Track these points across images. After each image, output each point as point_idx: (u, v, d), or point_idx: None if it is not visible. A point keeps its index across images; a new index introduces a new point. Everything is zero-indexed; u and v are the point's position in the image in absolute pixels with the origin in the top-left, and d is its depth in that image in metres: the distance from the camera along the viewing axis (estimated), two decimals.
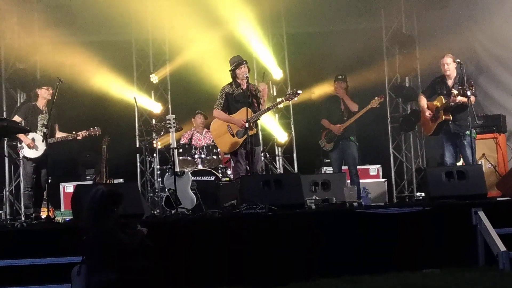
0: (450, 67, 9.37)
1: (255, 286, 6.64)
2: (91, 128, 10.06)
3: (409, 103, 13.22)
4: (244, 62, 9.18)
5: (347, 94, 10.52)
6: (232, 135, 9.06)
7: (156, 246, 5.95)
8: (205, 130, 11.47)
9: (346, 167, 10.51)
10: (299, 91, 9.10)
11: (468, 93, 8.86)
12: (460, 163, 9.56)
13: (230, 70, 9.23)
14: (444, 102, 9.22)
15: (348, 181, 10.01)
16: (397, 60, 13.12)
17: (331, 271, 6.75)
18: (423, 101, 9.64)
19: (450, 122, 9.28)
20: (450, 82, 9.42)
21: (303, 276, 6.72)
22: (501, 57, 11.74)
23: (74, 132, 9.99)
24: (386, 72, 13.18)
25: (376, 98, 10.36)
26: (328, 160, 11.25)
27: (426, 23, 12.77)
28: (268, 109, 9.08)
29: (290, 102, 11.09)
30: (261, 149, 9.63)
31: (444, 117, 9.26)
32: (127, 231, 5.76)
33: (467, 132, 9.11)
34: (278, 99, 9.40)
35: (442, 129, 9.41)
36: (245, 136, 8.80)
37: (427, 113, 9.49)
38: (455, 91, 9.07)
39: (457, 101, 9.08)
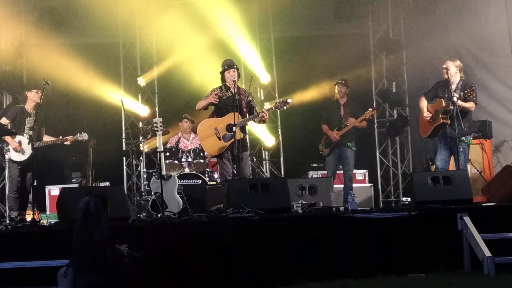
0: (450, 72, 9.18)
1: None
2: (78, 134, 10.03)
3: (396, 108, 13.28)
4: (235, 67, 9.12)
5: (348, 100, 10.64)
6: (219, 138, 8.93)
7: (142, 250, 5.90)
8: (192, 135, 11.41)
9: (340, 172, 10.65)
10: (289, 100, 8.94)
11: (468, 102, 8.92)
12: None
13: (220, 72, 9.18)
14: (444, 105, 9.10)
15: (339, 186, 10.12)
16: (384, 65, 13.20)
17: (318, 275, 6.76)
18: (423, 103, 9.49)
19: (447, 126, 9.12)
20: (453, 87, 9.20)
21: (290, 280, 6.71)
22: (487, 63, 11.75)
23: (61, 137, 9.95)
24: (373, 77, 13.24)
25: (369, 109, 10.57)
26: (315, 165, 11.31)
27: (413, 29, 12.83)
28: (255, 116, 8.89)
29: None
30: (249, 154, 9.56)
31: (442, 120, 9.10)
32: (117, 247, 5.65)
33: (463, 138, 9.05)
34: (267, 107, 9.23)
35: (439, 132, 9.28)
36: (232, 140, 8.72)
37: (425, 114, 9.38)
38: (456, 95, 8.98)
39: (457, 105, 8.93)
